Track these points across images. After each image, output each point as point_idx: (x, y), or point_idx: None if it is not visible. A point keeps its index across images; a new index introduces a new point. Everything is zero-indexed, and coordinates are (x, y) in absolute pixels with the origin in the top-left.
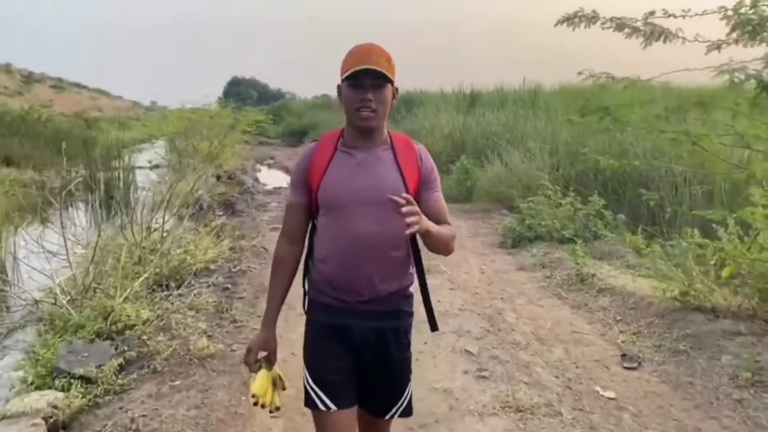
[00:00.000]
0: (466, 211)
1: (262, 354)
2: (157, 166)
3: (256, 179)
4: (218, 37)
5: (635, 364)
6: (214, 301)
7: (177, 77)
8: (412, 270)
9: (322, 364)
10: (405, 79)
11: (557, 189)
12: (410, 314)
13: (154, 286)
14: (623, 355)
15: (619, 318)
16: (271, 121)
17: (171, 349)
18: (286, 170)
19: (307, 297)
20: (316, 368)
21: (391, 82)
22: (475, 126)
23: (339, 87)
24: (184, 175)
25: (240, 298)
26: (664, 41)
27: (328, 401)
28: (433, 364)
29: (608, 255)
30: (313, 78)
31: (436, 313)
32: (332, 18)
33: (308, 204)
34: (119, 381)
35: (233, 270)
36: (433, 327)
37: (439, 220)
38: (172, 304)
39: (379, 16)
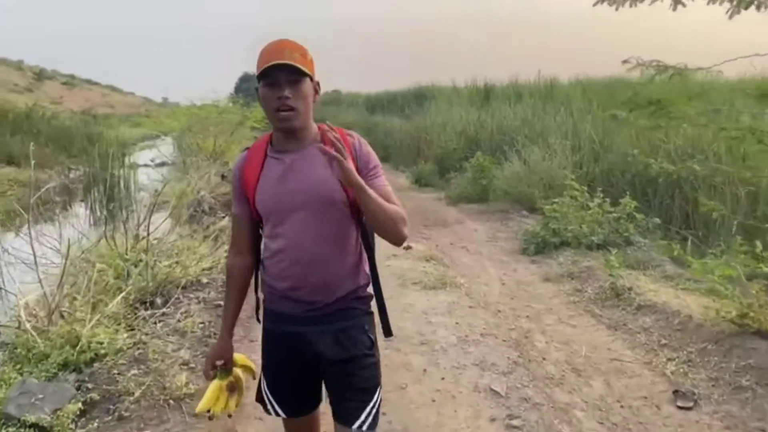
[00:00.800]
0: (482, 213)
1: (219, 363)
2: (163, 164)
3: None
4: (233, 35)
5: (691, 404)
6: (202, 323)
7: (190, 73)
8: (366, 270)
9: (275, 375)
10: (415, 74)
11: (584, 190)
12: (365, 312)
13: (137, 304)
14: (675, 392)
15: (664, 342)
16: None
17: (144, 387)
18: None
19: (261, 305)
20: (270, 378)
21: (310, 77)
22: (491, 121)
23: (257, 90)
24: (186, 174)
25: None
26: (758, 8)
27: (279, 410)
28: (453, 409)
29: (643, 264)
30: (325, 73)
31: (455, 339)
32: (342, 15)
33: (250, 214)
34: (78, 430)
35: None
36: (387, 332)
37: None
38: (155, 324)
39: (389, 12)
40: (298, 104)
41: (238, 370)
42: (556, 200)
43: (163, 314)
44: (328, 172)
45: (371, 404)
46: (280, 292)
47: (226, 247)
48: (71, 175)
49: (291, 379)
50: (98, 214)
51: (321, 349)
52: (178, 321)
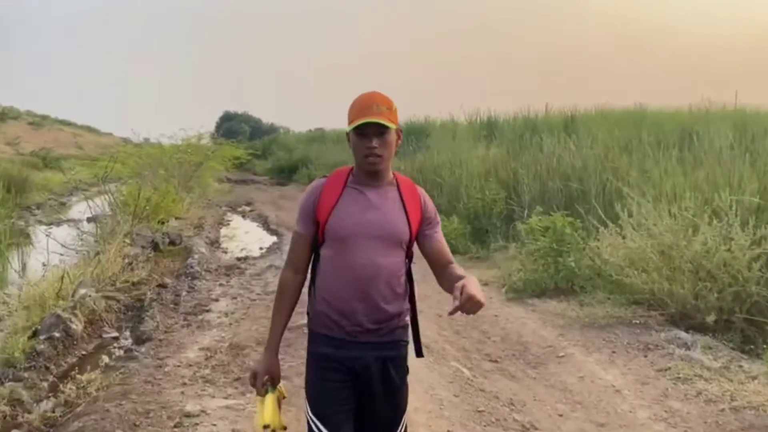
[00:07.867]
0: (587, 326)
1: (266, 378)
2: (93, 219)
3: (216, 242)
4: (213, 72)
5: None
6: None
7: (174, 113)
8: (407, 304)
9: (322, 399)
10: (410, 108)
11: None
12: (407, 343)
13: None
14: None
15: None
16: (251, 156)
17: None
18: (265, 222)
19: (308, 327)
20: (317, 402)
21: (394, 128)
22: (538, 159)
23: (348, 134)
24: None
25: None
26: None
27: None
28: None
29: None
30: (310, 112)
31: None
32: (331, 54)
33: (314, 235)
34: None
35: None
36: (418, 353)
37: (444, 257)
38: None
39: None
40: (384, 152)
41: (281, 386)
42: None
43: None
44: (400, 212)
45: (398, 429)
46: (334, 315)
47: None
48: None
49: (337, 401)
50: None
51: (366, 376)
52: None
